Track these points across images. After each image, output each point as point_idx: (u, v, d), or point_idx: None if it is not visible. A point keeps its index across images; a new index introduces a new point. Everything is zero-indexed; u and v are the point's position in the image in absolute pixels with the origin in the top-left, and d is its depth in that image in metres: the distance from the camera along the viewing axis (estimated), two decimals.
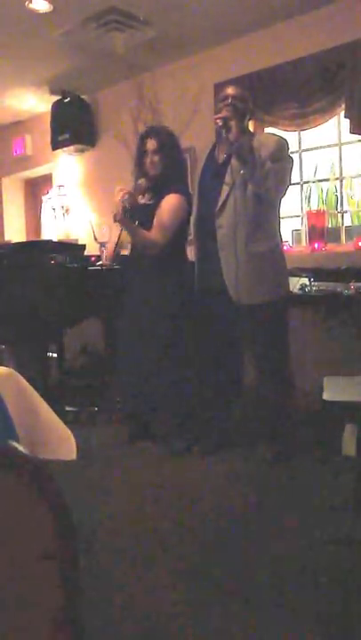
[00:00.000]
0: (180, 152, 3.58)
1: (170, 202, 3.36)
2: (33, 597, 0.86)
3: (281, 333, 3.27)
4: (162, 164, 3.40)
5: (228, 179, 3.15)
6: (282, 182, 3.08)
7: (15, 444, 0.77)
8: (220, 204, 3.15)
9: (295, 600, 1.93)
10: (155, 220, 3.35)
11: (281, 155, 3.08)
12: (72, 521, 0.79)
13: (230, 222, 3.11)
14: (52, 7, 4.07)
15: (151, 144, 3.42)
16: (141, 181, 3.44)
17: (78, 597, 0.88)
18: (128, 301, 3.54)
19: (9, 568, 0.85)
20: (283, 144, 3.14)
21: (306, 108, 4.32)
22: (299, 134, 4.62)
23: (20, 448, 0.77)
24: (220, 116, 3.02)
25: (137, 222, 3.35)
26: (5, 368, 1.48)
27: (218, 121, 3.00)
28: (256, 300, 3.14)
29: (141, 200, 3.48)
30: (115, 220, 3.23)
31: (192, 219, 3.43)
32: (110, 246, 3.82)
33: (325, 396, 2.53)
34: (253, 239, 3.12)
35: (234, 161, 3.10)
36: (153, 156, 3.41)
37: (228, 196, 3.13)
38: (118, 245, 3.70)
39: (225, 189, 3.15)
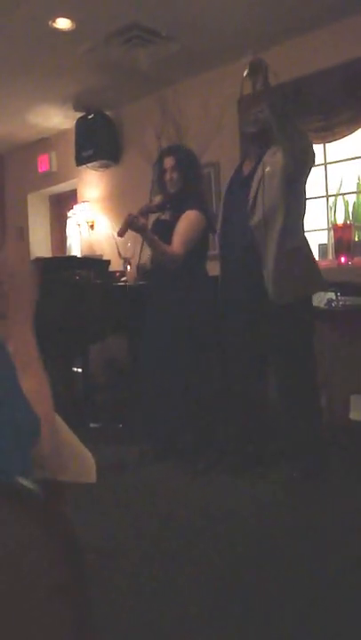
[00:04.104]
0: (199, 169, 3.56)
1: (188, 217, 3.34)
2: (41, 633, 0.82)
3: (307, 343, 3.18)
4: (181, 181, 3.39)
5: (255, 179, 3.08)
6: (306, 155, 3.02)
7: (26, 481, 0.74)
8: (250, 205, 3.08)
9: (328, 623, 1.87)
10: (174, 235, 3.33)
11: (307, 145, 3.05)
12: (84, 563, 0.75)
13: (262, 218, 3.03)
14: (74, 25, 4.10)
15: (169, 162, 3.41)
16: (157, 198, 3.44)
17: (90, 632, 0.84)
18: (149, 317, 3.51)
19: (18, 603, 0.82)
20: (310, 143, 3.10)
21: (331, 120, 4.27)
22: (324, 146, 4.56)
23: (32, 485, 0.73)
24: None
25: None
26: None
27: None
28: (294, 295, 3.06)
29: (161, 217, 3.47)
30: (118, 235, 3.22)
31: (217, 231, 3.39)
32: (132, 270, 3.83)
33: (352, 416, 2.47)
34: (286, 233, 3.03)
35: (264, 157, 3.07)
36: (172, 173, 3.40)
37: (256, 194, 3.06)
38: (140, 267, 3.70)
39: (253, 190, 3.08)
